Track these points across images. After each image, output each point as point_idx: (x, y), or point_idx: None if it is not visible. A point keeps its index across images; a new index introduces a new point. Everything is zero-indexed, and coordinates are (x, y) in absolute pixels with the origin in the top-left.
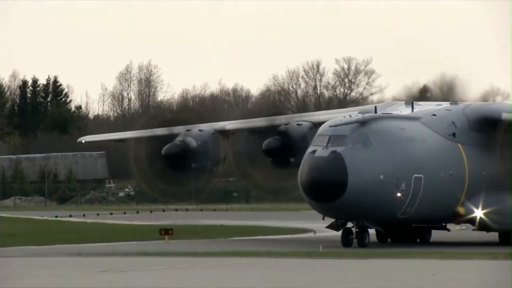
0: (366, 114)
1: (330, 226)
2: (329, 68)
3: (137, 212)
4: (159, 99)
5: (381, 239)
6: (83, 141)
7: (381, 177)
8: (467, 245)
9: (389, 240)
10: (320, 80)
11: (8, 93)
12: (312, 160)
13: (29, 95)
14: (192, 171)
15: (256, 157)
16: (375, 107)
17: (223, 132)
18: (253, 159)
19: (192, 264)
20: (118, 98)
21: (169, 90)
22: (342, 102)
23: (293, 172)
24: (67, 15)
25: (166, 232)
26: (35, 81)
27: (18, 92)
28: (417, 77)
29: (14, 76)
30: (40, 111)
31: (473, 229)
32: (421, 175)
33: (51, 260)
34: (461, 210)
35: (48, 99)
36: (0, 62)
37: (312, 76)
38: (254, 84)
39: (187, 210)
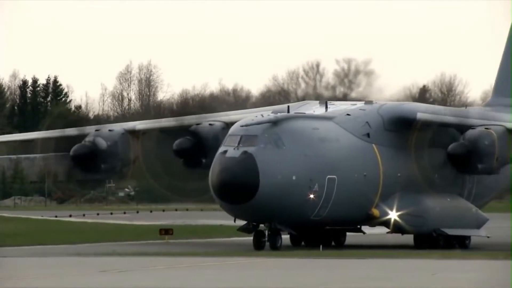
0: (278, 114)
1: (242, 229)
2: (329, 69)
3: (137, 212)
4: (159, 99)
5: (294, 243)
6: None
7: (294, 178)
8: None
9: (303, 243)
10: (320, 81)
11: (8, 93)
12: (223, 161)
13: (29, 95)
14: (102, 172)
15: (167, 158)
16: (288, 106)
17: (133, 132)
18: (164, 159)
19: (192, 264)
20: (118, 98)
21: (169, 90)
22: None
23: (205, 173)
24: (67, 15)
25: (166, 232)
26: (35, 81)
27: (18, 92)
28: (417, 77)
29: (14, 76)
30: (40, 111)
31: (388, 232)
32: (334, 176)
33: (51, 260)
34: (375, 212)
35: (48, 99)
36: (0, 62)
37: (312, 77)
38: (254, 84)
39: (187, 210)
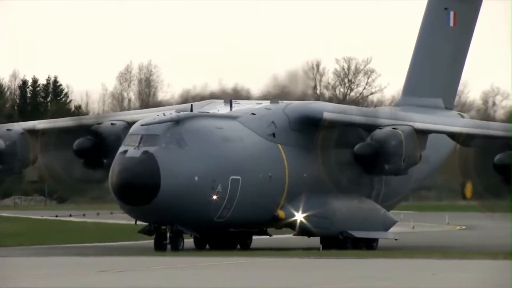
0: (181, 113)
1: (143, 231)
2: (329, 68)
3: None
4: (159, 99)
5: (198, 245)
6: None
7: (196, 178)
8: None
9: (207, 246)
10: (320, 80)
11: (8, 93)
12: (122, 161)
13: (29, 95)
14: None
15: (68, 158)
16: (191, 105)
17: (33, 132)
18: (65, 160)
19: (192, 264)
20: (118, 98)
21: (169, 90)
22: (342, 102)
23: (107, 174)
24: (67, 15)
25: None
26: (35, 81)
27: (18, 92)
28: None
29: (14, 76)
30: (40, 111)
31: (294, 234)
32: (238, 177)
33: (51, 260)
34: (281, 213)
35: (48, 99)
36: (0, 62)
37: (312, 76)
38: (254, 84)
39: None
